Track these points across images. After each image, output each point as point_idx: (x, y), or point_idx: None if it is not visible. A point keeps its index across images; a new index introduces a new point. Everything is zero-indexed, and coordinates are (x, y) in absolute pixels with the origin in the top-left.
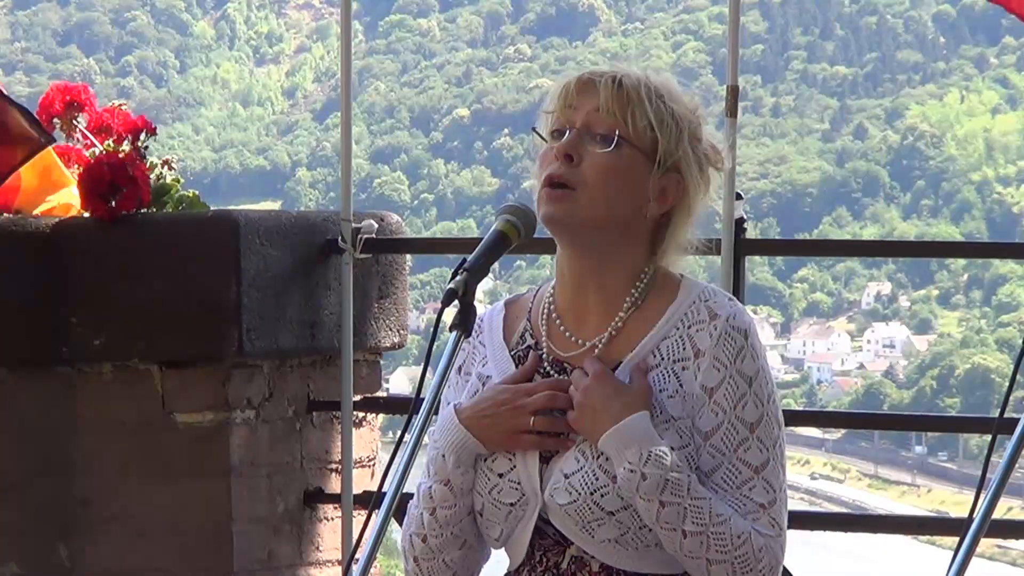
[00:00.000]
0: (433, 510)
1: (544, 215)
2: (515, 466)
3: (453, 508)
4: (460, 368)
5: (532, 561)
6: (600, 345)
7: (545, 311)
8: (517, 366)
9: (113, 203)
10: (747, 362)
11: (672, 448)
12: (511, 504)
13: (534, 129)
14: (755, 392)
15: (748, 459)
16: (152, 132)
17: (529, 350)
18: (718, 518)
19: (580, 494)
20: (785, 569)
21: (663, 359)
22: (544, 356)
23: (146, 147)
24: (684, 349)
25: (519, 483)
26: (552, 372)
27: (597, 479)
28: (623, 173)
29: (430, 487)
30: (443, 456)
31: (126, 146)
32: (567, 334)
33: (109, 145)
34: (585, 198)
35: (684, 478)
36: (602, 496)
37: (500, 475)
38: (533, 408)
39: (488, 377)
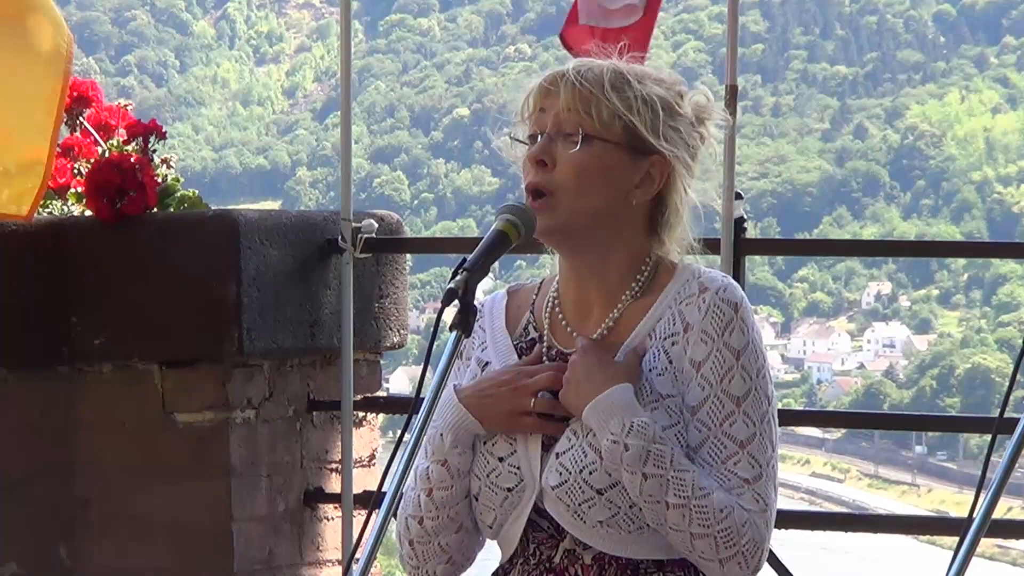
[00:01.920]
0: (430, 491)
1: (537, 230)
2: (515, 451)
3: (450, 489)
4: (460, 353)
5: (525, 554)
6: (598, 337)
7: (549, 306)
8: (520, 357)
9: (119, 206)
10: (735, 335)
11: (656, 421)
12: (508, 489)
13: (511, 136)
14: (743, 366)
15: (733, 433)
16: (162, 136)
17: (533, 343)
18: (700, 491)
19: (570, 473)
20: (785, 568)
21: (656, 338)
22: (546, 350)
23: (155, 150)
24: (675, 325)
25: (518, 468)
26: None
27: (586, 456)
28: (596, 168)
29: (427, 467)
30: (441, 435)
31: (132, 147)
32: (569, 329)
33: (114, 145)
34: (564, 200)
35: (667, 450)
36: (590, 474)
37: (500, 459)
38: (534, 388)
39: (487, 363)
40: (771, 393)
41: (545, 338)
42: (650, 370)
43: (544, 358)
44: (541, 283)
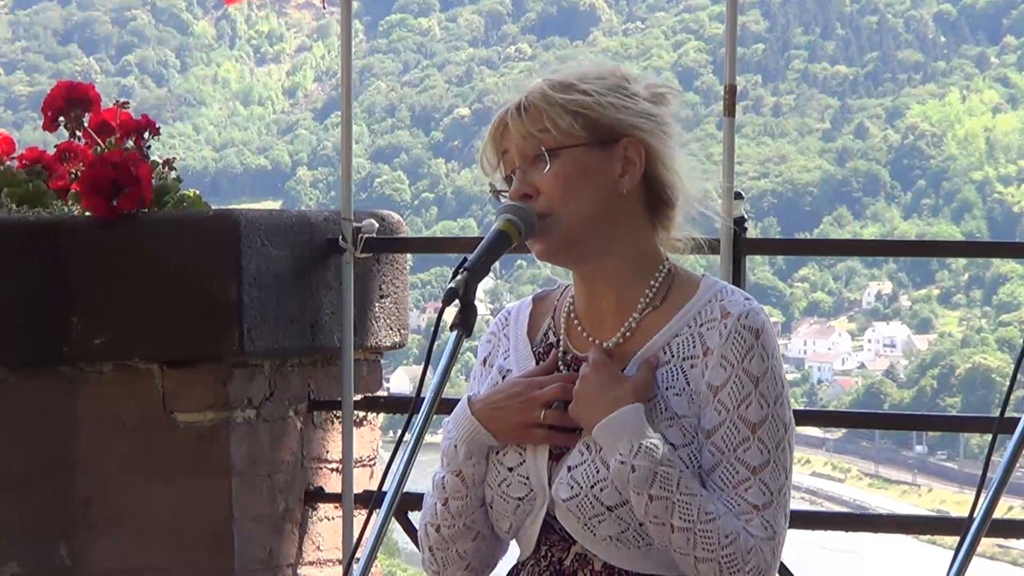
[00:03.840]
0: (445, 500)
1: (538, 254)
2: (524, 460)
3: (464, 499)
4: (485, 360)
5: (537, 555)
6: (613, 343)
7: (567, 310)
8: (537, 363)
9: (115, 202)
10: (755, 362)
11: (666, 442)
12: (519, 499)
13: (493, 188)
14: (761, 393)
15: (747, 459)
16: (156, 132)
17: (551, 348)
18: (706, 516)
19: (581, 488)
20: (785, 568)
21: (673, 356)
22: (562, 355)
23: (149, 146)
24: (694, 347)
25: (528, 478)
26: (570, 370)
27: (597, 472)
28: (575, 174)
29: (443, 477)
30: (455, 447)
31: (128, 144)
32: (584, 334)
33: (111, 143)
34: (561, 217)
35: (674, 472)
36: (601, 490)
37: (510, 469)
38: (544, 401)
39: (508, 370)
40: (788, 420)
41: (562, 343)
42: (667, 388)
43: (560, 363)
44: (566, 288)
